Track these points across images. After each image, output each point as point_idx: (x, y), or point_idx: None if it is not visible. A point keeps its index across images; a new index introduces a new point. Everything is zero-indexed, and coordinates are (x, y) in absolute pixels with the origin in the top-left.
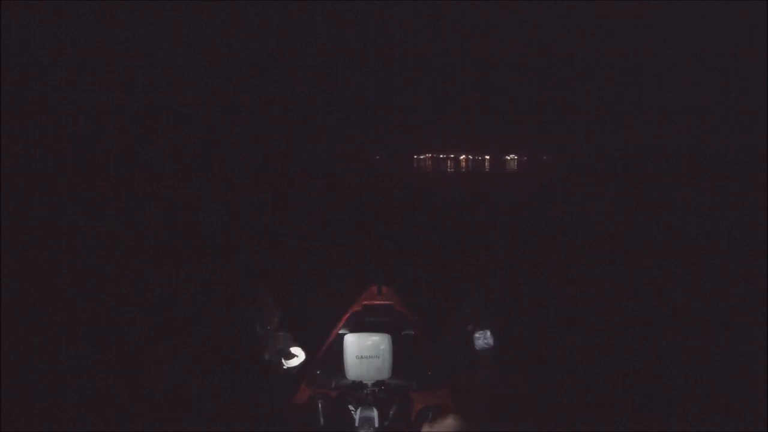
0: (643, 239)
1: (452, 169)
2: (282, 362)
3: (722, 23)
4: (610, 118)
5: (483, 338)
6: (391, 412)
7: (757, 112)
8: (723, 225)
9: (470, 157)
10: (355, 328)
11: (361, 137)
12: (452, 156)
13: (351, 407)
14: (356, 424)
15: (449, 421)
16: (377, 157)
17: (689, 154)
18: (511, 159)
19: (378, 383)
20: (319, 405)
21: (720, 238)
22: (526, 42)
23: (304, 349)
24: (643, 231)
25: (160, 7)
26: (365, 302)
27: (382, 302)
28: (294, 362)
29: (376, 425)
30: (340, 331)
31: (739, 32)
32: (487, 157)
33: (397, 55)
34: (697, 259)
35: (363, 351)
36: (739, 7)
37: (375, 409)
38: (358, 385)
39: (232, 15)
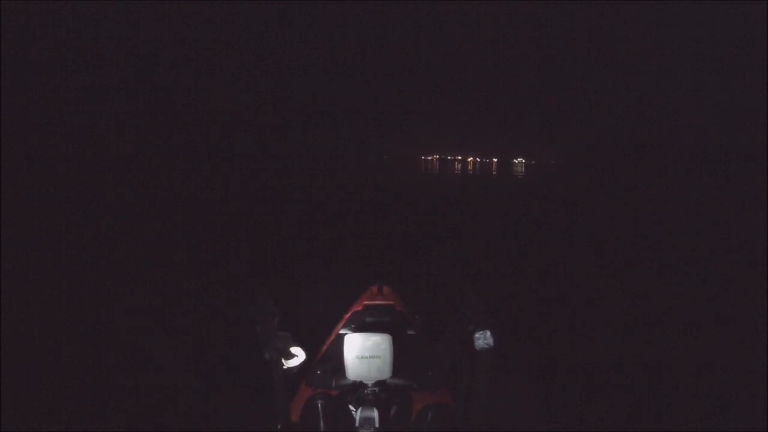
0: (644, 239)
1: (459, 171)
2: (282, 362)
3: (722, 23)
4: (609, 118)
5: (483, 338)
6: (391, 412)
7: (757, 112)
8: (723, 225)
9: (477, 159)
10: (355, 328)
11: (365, 137)
12: (459, 157)
13: (351, 407)
14: (357, 425)
15: (449, 421)
16: (384, 157)
17: (690, 154)
18: (518, 162)
19: (379, 383)
20: (319, 405)
21: (720, 237)
22: (530, 41)
23: (304, 349)
24: (643, 231)
25: (161, 7)
26: (365, 302)
27: (382, 302)
28: (294, 362)
29: (377, 425)
30: (341, 331)
31: (739, 32)
32: (495, 159)
33: (404, 56)
34: (697, 258)
35: (364, 351)
36: (739, 7)
37: (375, 410)
38: (359, 385)
39: (232, 15)
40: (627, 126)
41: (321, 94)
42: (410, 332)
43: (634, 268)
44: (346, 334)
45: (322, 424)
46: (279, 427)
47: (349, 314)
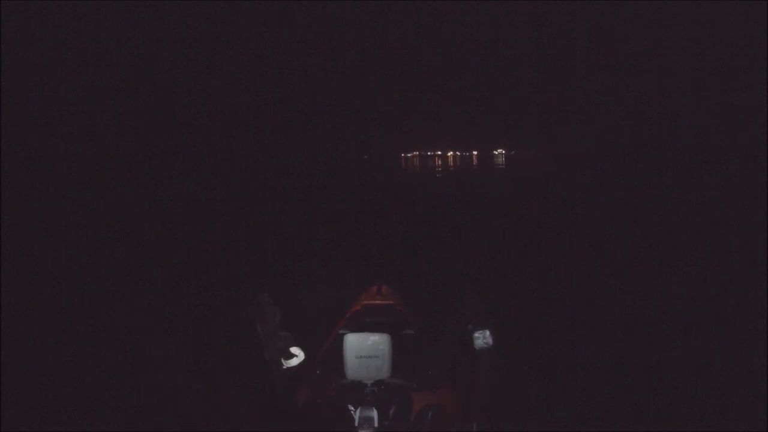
0: (644, 239)
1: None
2: (282, 362)
3: (722, 23)
4: (609, 118)
5: (483, 338)
6: (390, 412)
7: (757, 112)
8: (723, 225)
9: (458, 153)
10: (354, 328)
11: (366, 137)
12: (439, 152)
13: (351, 407)
14: (356, 424)
15: (449, 421)
16: (365, 156)
17: (690, 154)
18: (498, 153)
19: (378, 383)
20: (319, 405)
21: (720, 237)
22: (529, 41)
23: (304, 349)
24: (643, 231)
25: (161, 7)
26: (365, 302)
27: (382, 302)
28: (294, 362)
29: (376, 425)
30: (340, 331)
31: (739, 32)
32: (475, 152)
33: (404, 56)
34: (697, 258)
35: (363, 351)
36: (739, 6)
37: (375, 409)
38: (358, 385)
39: (232, 15)
40: (627, 126)
41: (321, 94)
42: (410, 332)
43: (634, 268)
44: (345, 333)
45: (321, 423)
46: (278, 427)
47: (348, 314)
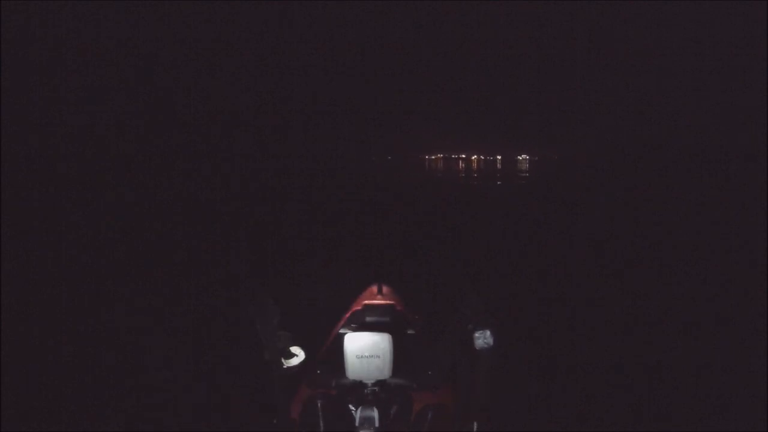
0: (644, 239)
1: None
2: (282, 362)
3: (722, 23)
4: (609, 118)
5: (483, 338)
6: (391, 412)
7: (757, 112)
8: (723, 225)
9: (482, 157)
10: (355, 328)
11: (365, 137)
12: (463, 156)
13: (351, 407)
14: (356, 424)
15: (449, 421)
16: (389, 157)
17: (690, 154)
18: (522, 159)
19: (378, 383)
20: (319, 405)
21: (720, 237)
22: (530, 41)
23: (304, 348)
24: (643, 231)
25: (161, 7)
26: (365, 302)
27: (382, 302)
28: (294, 362)
29: (377, 425)
30: (341, 331)
31: (739, 32)
32: (499, 157)
33: (404, 56)
34: (697, 258)
35: (363, 350)
36: (739, 6)
37: (375, 409)
38: (359, 385)
39: (232, 15)
40: (627, 126)
41: (321, 94)
42: (410, 332)
43: (634, 268)
44: (345, 333)
45: (321, 423)
46: (275, 421)
47: (349, 314)
